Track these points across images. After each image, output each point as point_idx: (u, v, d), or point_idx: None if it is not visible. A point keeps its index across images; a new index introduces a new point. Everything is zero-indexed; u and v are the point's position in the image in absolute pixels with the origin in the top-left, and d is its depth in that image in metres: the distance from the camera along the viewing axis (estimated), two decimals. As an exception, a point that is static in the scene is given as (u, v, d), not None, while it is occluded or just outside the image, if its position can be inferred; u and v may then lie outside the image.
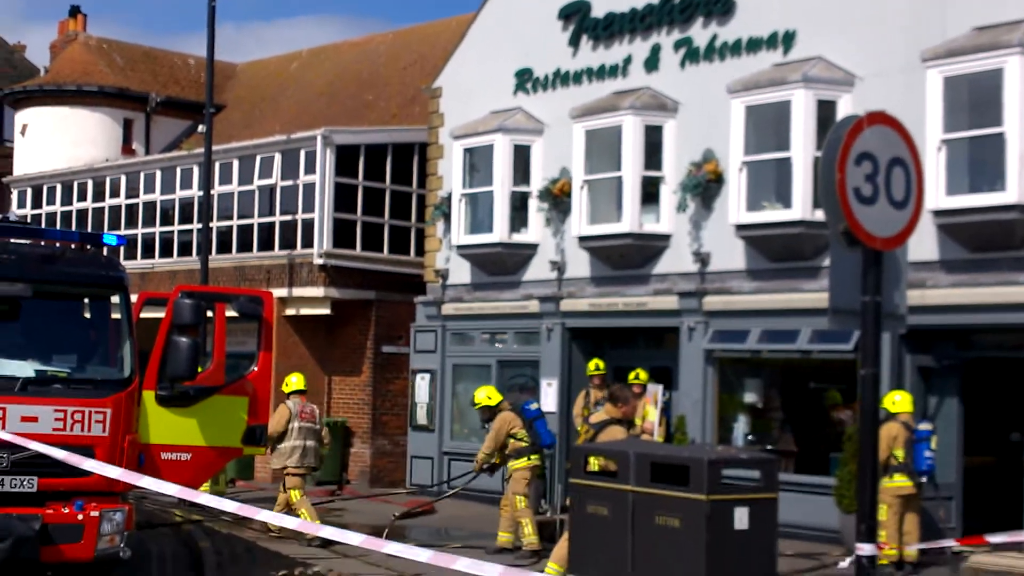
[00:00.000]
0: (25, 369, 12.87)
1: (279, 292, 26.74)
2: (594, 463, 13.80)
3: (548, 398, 23.19)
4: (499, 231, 24.07)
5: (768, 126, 20.23)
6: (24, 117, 37.34)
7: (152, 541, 18.01)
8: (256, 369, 15.03)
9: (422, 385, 25.97)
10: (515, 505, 18.24)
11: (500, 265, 24.47)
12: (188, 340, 13.89)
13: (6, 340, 13.10)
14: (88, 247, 14.17)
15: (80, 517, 12.48)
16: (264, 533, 19.07)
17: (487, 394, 18.80)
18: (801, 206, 19.46)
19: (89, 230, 28.33)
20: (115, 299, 13.66)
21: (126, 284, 13.78)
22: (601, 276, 22.86)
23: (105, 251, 14.48)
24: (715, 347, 21.06)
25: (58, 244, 14.09)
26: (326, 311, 27.60)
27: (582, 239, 22.66)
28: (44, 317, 13.34)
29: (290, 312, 27.76)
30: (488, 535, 19.05)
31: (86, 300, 13.87)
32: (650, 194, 21.98)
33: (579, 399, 21.67)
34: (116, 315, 13.70)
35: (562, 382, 23.31)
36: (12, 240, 13.70)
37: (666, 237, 21.83)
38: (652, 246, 21.94)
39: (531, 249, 24.07)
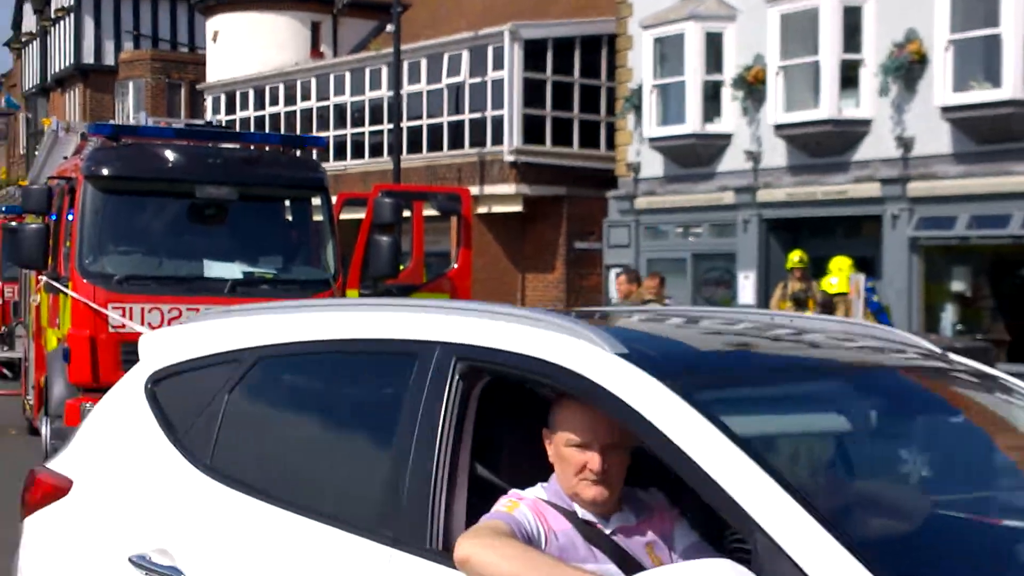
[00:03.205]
0: (233, 271, 13.06)
1: (471, 190, 26.73)
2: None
3: (745, 291, 22.80)
4: (692, 122, 23.61)
5: (976, 1, 19.36)
6: (215, 24, 37.87)
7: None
8: (456, 266, 15.10)
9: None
10: None
11: (693, 156, 24.04)
12: (389, 238, 13.98)
13: (214, 243, 13.31)
14: (287, 149, 14.25)
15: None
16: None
17: None
18: (1012, 85, 18.66)
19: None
20: (316, 200, 13.76)
21: (327, 185, 13.86)
22: (798, 165, 22.29)
23: (299, 152, 14.56)
24: (920, 234, 20.43)
25: (252, 147, 14.19)
26: (518, 208, 27.56)
27: (778, 127, 22.10)
28: (249, 219, 13.50)
29: (482, 210, 27.77)
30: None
31: (288, 202, 13.98)
32: (849, 78, 21.31)
33: (776, 290, 21.19)
34: (318, 216, 13.82)
35: (759, 275, 22.87)
36: (215, 144, 13.86)
37: (867, 122, 21.16)
38: (852, 132, 21.30)
39: (725, 139, 23.58)
